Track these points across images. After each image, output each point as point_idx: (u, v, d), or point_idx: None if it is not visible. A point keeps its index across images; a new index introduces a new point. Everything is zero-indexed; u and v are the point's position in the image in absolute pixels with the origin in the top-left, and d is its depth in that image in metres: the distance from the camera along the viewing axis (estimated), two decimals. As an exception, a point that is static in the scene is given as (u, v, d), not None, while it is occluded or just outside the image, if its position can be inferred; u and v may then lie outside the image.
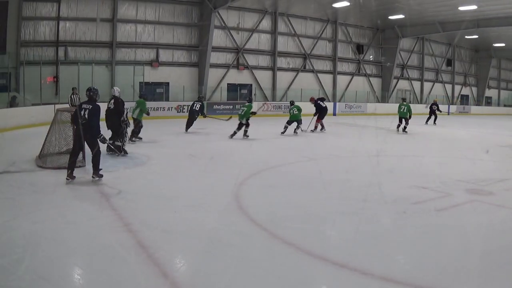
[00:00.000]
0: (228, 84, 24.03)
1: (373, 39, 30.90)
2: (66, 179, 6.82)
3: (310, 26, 27.20)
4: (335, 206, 6.35)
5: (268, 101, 24.70)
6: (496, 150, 13.54)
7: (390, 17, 26.79)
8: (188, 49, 22.43)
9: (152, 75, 21.14)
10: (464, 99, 40.34)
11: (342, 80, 29.48)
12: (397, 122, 17.38)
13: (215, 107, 22.42)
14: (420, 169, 9.57)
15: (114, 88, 10.02)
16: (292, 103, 15.92)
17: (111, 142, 9.09)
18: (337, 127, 19.42)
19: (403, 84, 33.82)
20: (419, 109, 28.98)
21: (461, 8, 22.89)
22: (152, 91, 21.28)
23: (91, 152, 7.05)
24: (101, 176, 7.07)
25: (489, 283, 4.01)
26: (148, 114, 12.12)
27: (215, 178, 7.86)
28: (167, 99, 21.53)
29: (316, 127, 16.34)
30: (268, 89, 25.52)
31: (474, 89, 41.46)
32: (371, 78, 31.40)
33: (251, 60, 24.86)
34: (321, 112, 16.42)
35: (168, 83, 21.85)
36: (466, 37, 33.61)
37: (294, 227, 5.27)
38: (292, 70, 26.83)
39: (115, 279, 3.71)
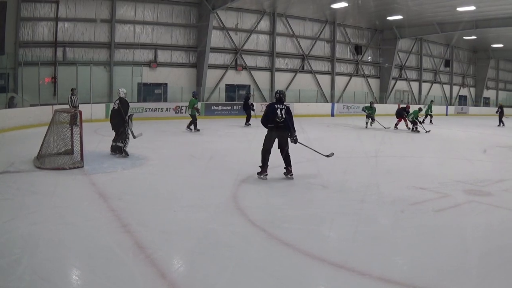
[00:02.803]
0: (226, 85, 24.09)
1: (371, 40, 30.97)
2: None
3: (309, 27, 27.27)
4: (333, 206, 6.38)
5: (266, 102, 24.71)
6: (495, 150, 13.63)
7: (389, 18, 26.87)
8: (186, 50, 22.47)
9: (150, 75, 21.19)
10: (462, 100, 40.45)
11: (340, 80, 29.54)
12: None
13: (213, 108, 22.45)
14: (418, 170, 9.61)
15: (120, 89, 10.14)
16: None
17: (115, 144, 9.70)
18: (335, 128, 19.53)
19: (401, 85, 33.91)
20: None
21: (459, 9, 23.04)
22: (151, 92, 21.31)
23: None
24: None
25: (487, 284, 4.03)
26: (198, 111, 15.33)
27: (213, 179, 7.87)
28: (165, 100, 21.56)
29: None
30: (266, 90, 25.56)
31: (472, 89, 41.58)
32: (369, 79, 31.48)
33: (249, 61, 24.90)
34: None
35: (166, 84, 21.89)
36: (464, 38, 33.73)
37: (293, 228, 5.29)
38: (290, 71, 26.89)
39: (113, 280, 3.73)
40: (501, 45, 36.63)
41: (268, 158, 7.84)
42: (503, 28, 26.11)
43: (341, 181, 8.00)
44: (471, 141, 16.29)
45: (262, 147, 7.81)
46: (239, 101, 23.18)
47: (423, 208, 6.35)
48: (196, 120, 15.30)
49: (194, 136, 14.39)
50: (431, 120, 22.99)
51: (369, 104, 19.71)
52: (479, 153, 12.87)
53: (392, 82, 32.62)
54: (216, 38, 23.26)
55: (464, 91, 40.60)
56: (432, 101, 25.31)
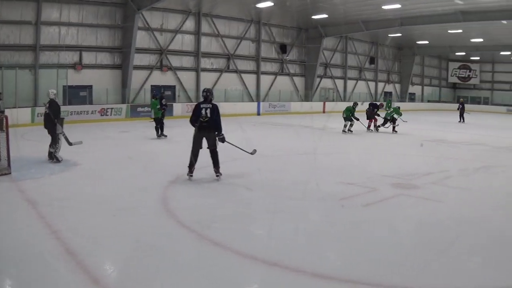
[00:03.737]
0: (152, 85, 28.09)
1: (296, 39, 36.75)
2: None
3: (234, 27, 32.19)
4: (263, 205, 7.67)
5: (192, 102, 28.96)
6: (420, 144, 16.70)
7: (314, 17, 32.02)
8: (111, 51, 26.20)
9: (75, 78, 24.69)
10: (387, 96, 47.49)
11: (265, 80, 34.94)
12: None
13: (139, 109, 26.33)
14: (347, 166, 11.77)
15: (50, 90, 11.29)
16: None
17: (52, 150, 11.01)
18: (262, 126, 22.94)
19: (326, 83, 40.04)
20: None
21: (384, 7, 27.63)
22: (76, 95, 24.78)
23: None
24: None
25: (420, 275, 4.89)
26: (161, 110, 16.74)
27: (142, 181, 9.25)
28: (90, 103, 25.14)
29: None
30: (192, 90, 29.99)
31: (397, 86, 49.13)
32: (294, 78, 37.22)
33: (175, 61, 29.20)
34: None
35: (91, 86, 25.48)
36: (389, 35, 40.52)
37: (223, 228, 6.33)
38: (216, 70, 31.64)
39: (45, 289, 4.31)
40: (426, 42, 44.37)
41: (195, 159, 9.23)
42: (428, 25, 31.91)
43: (270, 179, 9.56)
44: (398, 136, 19.74)
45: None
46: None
47: (352, 203, 7.86)
48: (163, 124, 16.87)
49: (122, 139, 16.69)
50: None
51: (352, 105, 20.78)
52: (406, 148, 15.81)
53: (317, 80, 38.62)
54: (141, 38, 27.20)
55: (389, 88, 48.06)
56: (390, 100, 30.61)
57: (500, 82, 55.57)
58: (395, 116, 20.98)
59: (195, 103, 10.04)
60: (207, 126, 9.06)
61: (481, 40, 40.25)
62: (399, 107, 22.28)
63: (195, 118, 9.08)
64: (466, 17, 27.89)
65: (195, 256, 5.29)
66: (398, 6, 26.94)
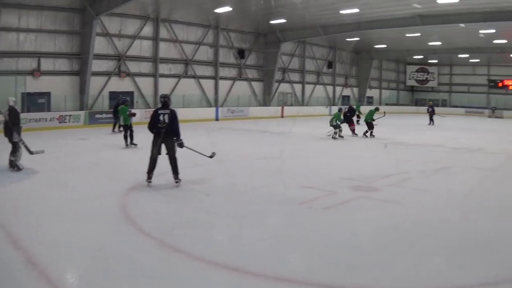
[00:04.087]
0: (110, 92, 29.78)
1: (254, 44, 39.22)
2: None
3: (192, 32, 34.30)
4: (223, 210, 8.19)
5: (150, 108, 30.66)
6: (380, 147, 18.21)
7: (272, 22, 34.32)
8: (69, 58, 27.70)
9: (34, 85, 26.03)
10: (345, 100, 50.54)
11: (224, 85, 37.19)
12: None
13: (97, 116, 27.87)
14: (305, 170, 12.50)
15: (9, 98, 11.72)
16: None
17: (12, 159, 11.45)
18: (221, 132, 24.26)
19: (284, 87, 42.59)
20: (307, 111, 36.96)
21: (342, 12, 29.65)
22: (35, 102, 26.13)
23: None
24: None
25: (381, 277, 5.32)
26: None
27: (102, 189, 9.80)
28: (49, 110, 26.54)
29: None
30: (150, 96, 31.78)
31: (355, 89, 52.36)
32: (253, 82, 39.66)
33: (133, 67, 30.96)
34: None
35: (49, 93, 26.90)
36: (347, 39, 43.17)
37: (183, 234, 6.72)
38: (174, 76, 33.61)
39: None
40: (383, 46, 47.60)
41: (154, 164, 9.78)
42: (385, 29, 34.41)
43: (230, 184, 10.18)
44: (357, 139, 21.39)
45: None
46: (123, 108, 28.94)
47: (312, 207, 8.40)
48: (133, 132, 17.07)
49: (81, 146, 17.48)
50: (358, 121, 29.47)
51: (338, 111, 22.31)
52: (365, 151, 17.14)
53: (276, 85, 41.14)
54: (99, 44, 28.80)
55: (347, 91, 51.16)
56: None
57: (458, 84, 59.93)
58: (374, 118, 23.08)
59: (154, 109, 10.67)
60: (165, 132, 9.61)
61: (439, 43, 43.53)
62: (376, 108, 24.78)
63: (153, 124, 9.67)
64: (424, 20, 30.25)
65: (156, 263, 5.69)
66: (356, 10, 29.07)
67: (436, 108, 34.65)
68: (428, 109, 34.41)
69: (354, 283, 5.24)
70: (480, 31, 35.23)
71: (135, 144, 17.05)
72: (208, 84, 36.01)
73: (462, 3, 26.00)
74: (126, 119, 17.38)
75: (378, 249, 6.41)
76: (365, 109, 30.25)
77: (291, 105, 42.72)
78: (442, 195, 10.07)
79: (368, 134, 22.42)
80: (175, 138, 9.83)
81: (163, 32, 32.39)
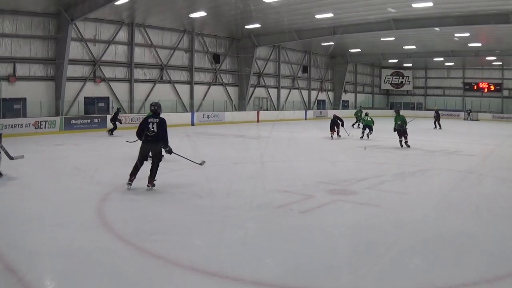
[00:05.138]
0: (85, 97, 31.27)
1: (229, 49, 41.34)
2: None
3: (167, 37, 36.17)
4: (200, 215, 8.47)
5: (125, 113, 32.16)
6: (355, 150, 19.26)
7: (247, 27, 36.19)
8: (45, 63, 29.09)
9: (9, 90, 27.34)
10: (321, 104, 52.95)
11: (199, 90, 39.15)
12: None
13: (73, 121, 29.18)
14: (282, 174, 12.96)
15: None
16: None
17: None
18: (196, 137, 25.02)
19: (260, 92, 44.77)
20: (276, 115, 38.80)
21: (317, 16, 31.52)
22: (10, 108, 27.34)
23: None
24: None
25: (361, 279, 5.65)
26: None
27: (78, 194, 10.07)
28: (24, 115, 27.73)
29: None
30: (125, 102, 33.31)
31: (330, 94, 54.92)
32: (228, 87, 41.75)
33: (108, 72, 32.56)
34: None
35: (25, 99, 28.17)
36: (322, 44, 45.69)
37: (161, 240, 6.96)
38: (149, 81, 35.36)
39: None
40: (358, 50, 50.44)
41: (138, 169, 10.30)
42: (360, 34, 36.53)
43: (208, 189, 10.61)
44: (332, 143, 22.47)
45: None
46: (98, 113, 30.39)
47: (289, 210, 8.77)
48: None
49: (57, 152, 18.04)
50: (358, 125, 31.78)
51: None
52: (341, 154, 17.95)
53: (251, 89, 43.34)
54: (74, 49, 30.29)
55: (322, 96, 53.76)
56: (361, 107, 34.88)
57: (433, 88, 63.26)
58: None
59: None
60: (152, 141, 10.19)
61: (413, 47, 46.28)
62: (367, 113, 26.95)
63: (142, 131, 10.21)
64: (399, 25, 32.27)
65: (134, 269, 5.91)
66: (330, 15, 31.01)
67: (409, 112, 36.65)
68: (434, 115, 37.01)
69: (333, 286, 5.63)
70: (455, 35, 37.75)
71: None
72: (183, 89, 37.82)
73: (436, 7, 27.69)
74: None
75: (356, 251, 6.77)
76: (344, 113, 32.33)
77: (267, 109, 44.96)
78: (419, 197, 10.66)
79: (403, 142, 21.47)
80: (162, 146, 10.42)
81: (138, 37, 34.10)
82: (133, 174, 10.42)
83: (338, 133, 25.66)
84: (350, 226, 8.03)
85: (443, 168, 15.07)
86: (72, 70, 30.31)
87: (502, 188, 12.34)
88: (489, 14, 28.67)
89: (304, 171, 13.93)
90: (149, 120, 10.32)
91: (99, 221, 7.94)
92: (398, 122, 20.99)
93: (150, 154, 10.44)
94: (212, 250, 6.69)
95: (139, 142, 10.55)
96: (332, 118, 26.40)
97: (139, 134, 10.36)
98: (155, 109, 10.52)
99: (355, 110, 30.55)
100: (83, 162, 15.21)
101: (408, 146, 20.68)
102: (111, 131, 25.87)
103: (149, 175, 10.40)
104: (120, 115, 26.78)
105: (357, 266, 6.12)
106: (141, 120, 10.92)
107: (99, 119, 29.69)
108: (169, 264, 6.05)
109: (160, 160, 10.54)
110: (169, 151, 10.51)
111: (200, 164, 11.69)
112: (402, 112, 22.56)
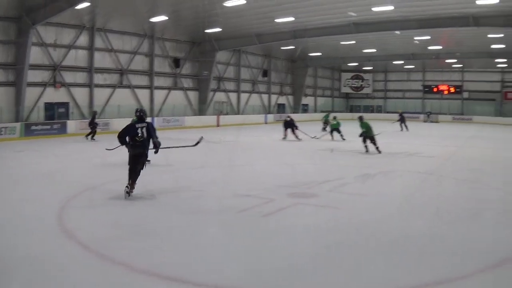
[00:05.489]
0: (45, 103, 31.87)
1: (189, 53, 42.51)
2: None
3: (127, 41, 37.09)
4: (162, 221, 8.60)
5: (85, 119, 32.76)
6: (316, 154, 19.75)
7: (207, 31, 36.95)
8: (5, 68, 29.59)
9: (-31, 96, 27.79)
10: (281, 108, 54.46)
11: (159, 94, 40.16)
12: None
13: (33, 127, 29.70)
14: (243, 178, 13.32)
15: None
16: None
17: None
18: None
19: (220, 96, 46.10)
20: (239, 119, 39.83)
21: (278, 20, 32.39)
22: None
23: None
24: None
25: (324, 280, 5.85)
26: None
27: (39, 202, 10.13)
28: (-16, 122, 28.25)
29: None
30: (85, 107, 34.03)
31: (290, 97, 56.73)
32: (188, 92, 42.89)
33: (68, 77, 33.27)
34: None
35: (-15, 105, 28.65)
36: (282, 48, 47.33)
37: (124, 246, 7.08)
38: (109, 86, 36.21)
39: None
40: (318, 54, 52.22)
41: (133, 175, 10.35)
42: (321, 38, 38.01)
43: (168, 194, 10.88)
44: (292, 146, 23.01)
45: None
46: (58, 119, 30.99)
47: (251, 215, 8.96)
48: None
49: (18, 159, 18.08)
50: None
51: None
52: (301, 157, 18.48)
53: (211, 94, 44.47)
54: (35, 54, 30.80)
55: (282, 99, 55.51)
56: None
57: (393, 91, 65.56)
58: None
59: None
60: (141, 146, 10.36)
61: (374, 50, 48.10)
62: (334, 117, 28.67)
63: (129, 137, 10.34)
64: (359, 28, 33.62)
65: (98, 277, 5.99)
66: (291, 19, 32.00)
67: (369, 115, 37.88)
68: (398, 118, 38.45)
69: (296, 288, 5.86)
70: (415, 38, 39.57)
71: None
72: (143, 94, 38.75)
73: (397, 11, 28.78)
74: None
75: (318, 253, 6.99)
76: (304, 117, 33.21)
77: (227, 114, 46.16)
78: (380, 199, 10.95)
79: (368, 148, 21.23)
80: (151, 149, 10.61)
81: (98, 42, 34.85)
82: (129, 179, 10.46)
83: (297, 136, 27.05)
84: (311, 228, 8.30)
85: (404, 170, 15.67)
86: (32, 75, 30.76)
87: (462, 189, 12.84)
88: (449, 17, 30.00)
89: (265, 174, 14.31)
90: (137, 126, 10.45)
91: (60, 229, 8.02)
92: (363, 129, 20.84)
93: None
94: (176, 256, 6.85)
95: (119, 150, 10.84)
96: (287, 119, 28.31)
97: (122, 140, 10.44)
98: (141, 115, 10.72)
99: (323, 115, 31.40)
100: (43, 169, 15.38)
101: (379, 152, 20.15)
102: (92, 136, 26.59)
103: (131, 181, 10.47)
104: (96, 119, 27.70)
105: (319, 268, 6.35)
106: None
107: (59, 125, 30.23)
108: (132, 271, 6.17)
109: (142, 168, 10.60)
110: (159, 143, 10.53)
111: (197, 143, 12.46)
112: (365, 116, 23.39)
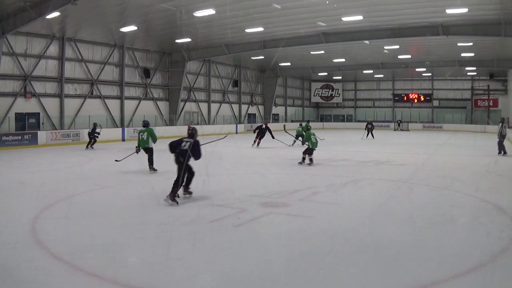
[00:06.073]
0: (16, 113, 32.79)
1: (160, 63, 43.95)
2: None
3: (98, 51, 38.30)
4: (133, 232, 8.77)
5: (56, 129, 33.82)
6: (287, 163, 19.94)
7: (177, 41, 38.48)
8: (-25, 79, 30.51)
9: None
10: (251, 118, 56.17)
11: (129, 105, 41.41)
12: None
13: (4, 138, 30.56)
14: (214, 188, 13.30)
15: None
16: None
17: None
18: (126, 153, 23.17)
19: (190, 107, 47.53)
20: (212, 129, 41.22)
21: (247, 30, 33.72)
22: None
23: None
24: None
25: None
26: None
27: (10, 214, 10.32)
28: (-46, 133, 29.11)
29: None
30: (56, 117, 35.05)
31: (261, 107, 58.64)
32: (158, 102, 44.28)
33: (39, 87, 34.25)
34: None
35: (-43, 116, 29.49)
36: (252, 58, 48.98)
37: (95, 257, 7.30)
38: (79, 96, 37.28)
39: None
40: (288, 64, 54.14)
41: (176, 184, 11.22)
42: (290, 48, 39.14)
43: (137, 205, 11.03)
44: (263, 156, 23.35)
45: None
46: (29, 130, 31.94)
47: (222, 225, 9.20)
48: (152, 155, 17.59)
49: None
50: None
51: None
52: (271, 167, 18.59)
53: (181, 104, 45.94)
54: (5, 64, 31.74)
55: (253, 109, 57.21)
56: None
57: (363, 100, 67.88)
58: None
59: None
60: (182, 155, 11.38)
61: (343, 60, 50.11)
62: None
63: (174, 146, 11.61)
64: (329, 38, 35.07)
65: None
66: (261, 29, 33.48)
67: (339, 124, 39.31)
68: (366, 126, 40.06)
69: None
70: (385, 47, 41.34)
71: (155, 170, 17.40)
72: (113, 104, 39.89)
73: (366, 21, 30.16)
74: (146, 141, 17.62)
75: (291, 262, 7.14)
76: (274, 127, 34.67)
77: (197, 124, 47.24)
78: (352, 207, 11.22)
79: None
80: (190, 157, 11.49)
81: (69, 52, 35.96)
82: (179, 187, 11.46)
83: (258, 143, 29.09)
84: (284, 237, 8.52)
85: (375, 178, 15.95)
86: (2, 85, 31.79)
87: (434, 195, 13.03)
88: (419, 27, 31.54)
89: (236, 184, 14.59)
90: (184, 139, 11.63)
91: (32, 240, 8.17)
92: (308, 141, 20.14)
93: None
94: (147, 267, 6.99)
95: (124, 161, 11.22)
96: (262, 125, 29.78)
97: (172, 148, 11.69)
98: (192, 133, 11.79)
99: (297, 129, 32.17)
100: (14, 180, 15.56)
101: (310, 162, 19.58)
102: (91, 145, 28.35)
103: (184, 184, 11.72)
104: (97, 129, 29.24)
105: (292, 277, 6.52)
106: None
107: (30, 135, 30.96)
108: (104, 282, 6.32)
109: (193, 175, 11.93)
110: (187, 153, 11.46)
111: (224, 137, 14.02)
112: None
